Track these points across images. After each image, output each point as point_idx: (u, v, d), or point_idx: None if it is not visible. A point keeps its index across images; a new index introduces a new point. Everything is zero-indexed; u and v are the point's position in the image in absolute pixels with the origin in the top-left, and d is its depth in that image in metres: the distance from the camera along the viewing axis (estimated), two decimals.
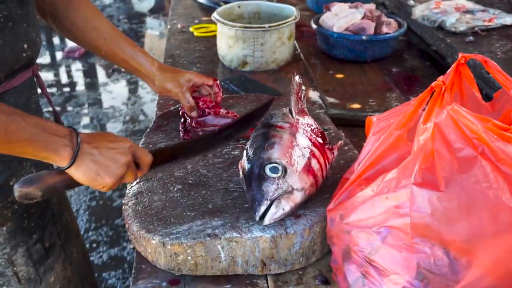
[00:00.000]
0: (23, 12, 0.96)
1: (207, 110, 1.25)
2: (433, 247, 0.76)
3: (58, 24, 1.17)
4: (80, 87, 4.33)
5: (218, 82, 1.32)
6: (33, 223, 1.11)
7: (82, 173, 0.86)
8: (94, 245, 2.51)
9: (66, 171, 0.85)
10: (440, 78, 0.85)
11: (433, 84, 0.85)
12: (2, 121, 0.79)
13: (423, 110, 0.83)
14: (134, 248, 0.99)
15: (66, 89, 4.26)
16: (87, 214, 2.73)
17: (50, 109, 1.19)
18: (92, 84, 4.35)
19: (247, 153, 0.95)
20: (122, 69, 4.23)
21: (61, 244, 1.22)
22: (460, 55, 0.93)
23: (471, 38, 1.70)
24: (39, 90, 1.14)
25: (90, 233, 2.59)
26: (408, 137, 0.86)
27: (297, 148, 0.93)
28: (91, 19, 1.18)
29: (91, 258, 2.43)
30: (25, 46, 0.98)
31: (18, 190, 0.84)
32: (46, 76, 4.40)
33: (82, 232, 2.56)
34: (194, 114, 1.24)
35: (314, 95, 1.60)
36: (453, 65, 0.94)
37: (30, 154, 0.84)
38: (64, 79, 4.46)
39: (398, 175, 0.78)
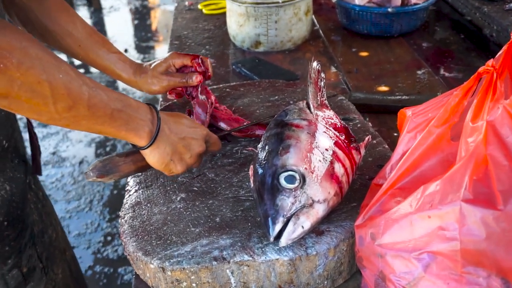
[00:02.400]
0: None
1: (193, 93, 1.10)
2: (489, 278, 0.62)
3: (28, 27, 1.03)
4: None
5: (199, 59, 1.10)
6: (7, 247, 0.98)
7: (158, 157, 0.82)
8: (109, 238, 2.41)
9: (142, 151, 0.82)
10: (490, 61, 0.69)
11: (481, 69, 0.69)
12: (85, 94, 0.71)
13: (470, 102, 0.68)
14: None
15: None
16: (101, 205, 2.62)
17: None
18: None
19: (258, 159, 0.81)
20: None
21: (43, 267, 1.09)
22: None
23: (511, 5, 1.51)
24: None
25: (104, 225, 2.49)
26: (452, 136, 0.71)
27: (317, 151, 0.79)
28: (64, 24, 1.04)
29: (105, 252, 2.33)
30: None
31: (92, 178, 0.82)
32: None
33: (96, 225, 2.47)
34: (197, 78, 1.09)
35: (335, 77, 1.44)
36: (505, 46, 0.78)
37: (109, 132, 0.77)
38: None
39: (442, 188, 0.63)
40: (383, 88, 1.36)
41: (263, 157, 0.80)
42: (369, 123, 1.11)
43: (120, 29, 4.92)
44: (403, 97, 1.27)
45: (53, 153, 3.07)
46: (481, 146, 0.62)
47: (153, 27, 5.13)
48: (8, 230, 0.98)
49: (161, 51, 4.43)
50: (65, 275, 1.18)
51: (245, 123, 1.04)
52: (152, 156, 0.82)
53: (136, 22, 5.20)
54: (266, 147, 0.81)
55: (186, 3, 2.04)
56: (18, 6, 1.01)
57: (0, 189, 0.94)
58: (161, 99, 1.36)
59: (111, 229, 2.46)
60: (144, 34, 4.87)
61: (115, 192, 2.72)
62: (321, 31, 1.74)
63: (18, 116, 1.06)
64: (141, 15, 5.39)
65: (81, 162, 2.98)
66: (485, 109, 0.65)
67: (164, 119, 0.83)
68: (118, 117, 0.76)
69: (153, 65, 1.10)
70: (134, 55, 4.31)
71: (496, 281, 0.62)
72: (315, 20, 1.81)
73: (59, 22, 1.04)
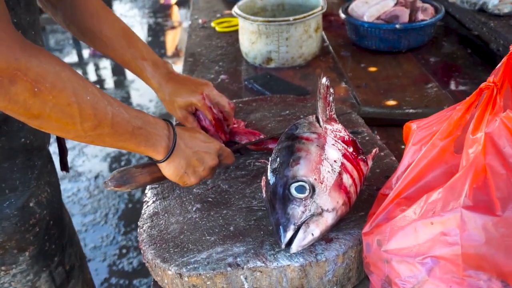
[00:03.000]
0: (31, 19, 0.92)
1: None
2: (490, 281, 0.65)
3: (72, 26, 1.09)
4: (108, 85, 4.29)
5: (233, 107, 1.12)
6: (54, 245, 1.06)
7: (173, 169, 0.87)
8: (124, 250, 2.45)
9: (158, 164, 0.88)
10: (491, 78, 0.73)
11: (482, 85, 0.73)
12: (109, 114, 0.76)
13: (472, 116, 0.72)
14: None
15: None
16: (116, 219, 2.67)
17: None
18: (119, 82, 4.31)
19: (269, 170, 0.85)
20: None
21: (79, 266, 1.16)
22: (511, 47, 0.81)
23: None
24: None
25: (119, 238, 2.53)
26: (455, 149, 0.75)
27: (326, 163, 0.83)
28: (102, 24, 1.08)
29: (121, 265, 2.37)
30: None
31: (110, 187, 0.88)
32: None
33: (111, 238, 2.52)
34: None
35: (345, 91, 1.48)
36: (504, 59, 0.82)
37: (130, 148, 0.83)
38: (92, 77, 4.43)
39: (444, 196, 0.67)
40: (391, 102, 1.40)
41: (274, 169, 0.84)
42: (377, 136, 1.14)
43: None
44: (411, 110, 1.31)
45: (70, 168, 3.13)
46: (480, 156, 0.66)
47: (167, 44, 5.22)
48: (54, 229, 1.05)
49: (175, 68, 4.50)
50: (90, 277, 1.24)
51: (258, 137, 1.09)
52: (167, 169, 0.88)
53: (149, 39, 5.29)
54: (278, 159, 0.85)
55: (200, 21, 2.10)
56: (65, 4, 1.07)
57: (42, 191, 1.00)
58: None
59: (126, 242, 2.50)
60: (157, 51, 4.95)
61: (130, 205, 2.77)
62: (331, 47, 1.79)
63: None
64: (154, 32, 5.48)
65: (96, 177, 3.04)
66: (484, 122, 0.69)
67: (180, 134, 0.88)
68: (139, 134, 0.81)
69: (178, 94, 1.10)
70: None
71: (496, 284, 0.65)
72: (325, 37, 1.86)
73: (98, 22, 1.08)
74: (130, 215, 2.68)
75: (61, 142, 1.15)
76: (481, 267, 0.65)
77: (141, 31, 5.45)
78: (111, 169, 3.09)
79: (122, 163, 3.14)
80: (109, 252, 2.45)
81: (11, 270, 0.98)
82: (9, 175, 0.93)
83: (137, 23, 5.74)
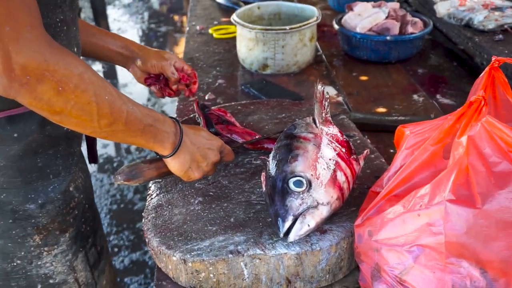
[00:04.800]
0: (73, 16, 0.99)
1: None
2: (469, 268, 0.72)
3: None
4: None
5: (196, 73, 1.30)
6: (88, 227, 1.14)
7: (178, 164, 0.93)
8: (116, 249, 2.50)
9: (164, 159, 0.93)
10: (480, 93, 0.80)
11: (472, 99, 0.79)
12: (124, 112, 0.83)
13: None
14: (155, 262, 0.96)
15: None
16: (108, 218, 2.71)
17: None
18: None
19: (269, 166, 0.92)
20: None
21: (105, 248, 1.25)
22: (493, 58, 0.88)
23: (500, 36, 1.64)
24: None
25: (111, 237, 2.57)
26: (444, 154, 0.81)
27: (322, 160, 0.89)
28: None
29: (113, 263, 2.41)
30: (75, 49, 1.00)
31: (120, 181, 0.94)
32: None
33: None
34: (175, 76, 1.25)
35: (337, 98, 1.55)
36: (486, 69, 0.90)
37: (139, 143, 0.89)
38: None
39: (431, 191, 0.74)
40: (381, 109, 1.48)
41: (274, 165, 0.91)
42: (368, 140, 1.21)
43: None
44: (400, 117, 1.38)
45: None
46: (463, 157, 0.72)
47: (162, 48, 5.27)
48: (88, 212, 1.13)
49: None
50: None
51: (256, 137, 1.15)
52: (173, 164, 0.94)
53: (142, 44, 5.34)
54: (277, 156, 0.92)
55: (198, 27, 2.17)
56: None
57: (78, 176, 1.08)
58: (175, 115, 1.47)
59: (117, 241, 2.54)
60: None
61: (122, 205, 2.81)
62: (324, 56, 1.86)
63: None
64: (147, 38, 5.53)
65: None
66: (469, 128, 0.76)
67: (186, 132, 0.94)
68: (149, 131, 0.87)
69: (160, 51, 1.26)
70: None
71: (475, 270, 0.72)
72: (319, 46, 1.93)
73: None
74: (122, 215, 2.73)
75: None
76: (462, 255, 0.72)
77: (135, 36, 5.50)
78: (103, 171, 3.13)
79: (115, 165, 3.18)
80: None
81: (52, 251, 1.05)
82: (53, 161, 1.00)
83: (130, 28, 5.80)
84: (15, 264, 1.04)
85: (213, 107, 1.27)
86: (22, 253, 1.02)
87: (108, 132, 0.84)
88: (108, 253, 1.27)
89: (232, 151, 1.05)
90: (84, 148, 1.15)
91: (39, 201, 1.01)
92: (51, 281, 1.08)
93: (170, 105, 3.91)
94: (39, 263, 1.05)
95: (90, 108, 0.79)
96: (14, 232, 1.00)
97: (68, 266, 1.09)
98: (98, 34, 1.20)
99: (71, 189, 1.05)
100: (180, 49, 5.03)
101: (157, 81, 1.28)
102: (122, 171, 0.95)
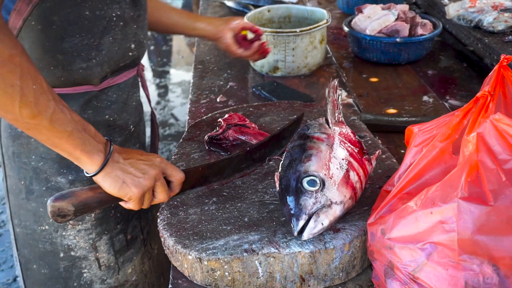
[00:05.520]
0: (135, 14, 1.03)
1: (232, 127, 1.22)
2: (482, 265, 0.73)
3: None
4: None
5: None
6: (119, 214, 1.17)
7: (110, 181, 0.88)
8: None
9: (94, 178, 0.88)
10: (487, 88, 0.81)
11: (479, 94, 0.81)
12: (50, 108, 0.82)
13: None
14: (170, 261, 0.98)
15: None
16: None
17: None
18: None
19: (283, 166, 0.93)
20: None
21: (143, 239, 1.27)
22: (502, 56, 0.89)
23: (510, 37, 1.64)
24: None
25: None
26: (453, 150, 0.83)
27: (335, 160, 0.91)
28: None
29: None
30: (133, 46, 1.05)
31: (51, 205, 0.86)
32: None
33: None
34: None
35: (347, 100, 1.56)
36: (495, 68, 0.91)
37: (65, 149, 0.86)
38: None
39: (443, 189, 0.75)
40: (391, 111, 1.49)
41: (288, 164, 0.92)
42: (379, 141, 1.23)
43: None
44: (410, 118, 1.39)
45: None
46: (473, 154, 0.73)
47: (169, 53, 5.31)
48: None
49: (177, 75, 4.60)
50: (160, 251, 1.35)
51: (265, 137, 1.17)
52: (104, 182, 0.88)
53: (152, 47, 5.38)
54: (291, 156, 0.93)
55: None
56: None
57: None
58: (188, 118, 1.49)
59: None
60: (160, 59, 5.05)
61: None
62: (334, 58, 1.87)
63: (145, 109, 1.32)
64: (156, 41, 5.57)
65: None
66: (477, 124, 0.77)
67: (116, 149, 0.91)
68: (77, 136, 0.85)
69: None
70: (149, 79, 4.47)
71: (488, 267, 0.73)
72: (329, 48, 1.95)
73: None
74: None
75: (155, 131, 1.30)
76: (474, 252, 0.73)
77: None
78: None
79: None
80: None
81: (77, 226, 1.12)
82: None
83: None
84: (43, 228, 1.12)
85: (228, 114, 1.27)
86: (50, 220, 1.07)
87: (31, 125, 0.82)
88: (146, 246, 1.29)
89: (178, 169, 0.97)
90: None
91: (70, 177, 1.07)
92: (72, 253, 1.14)
93: (179, 108, 3.93)
94: (63, 233, 1.12)
95: (13, 91, 0.78)
96: (45, 199, 1.06)
97: (90, 244, 1.14)
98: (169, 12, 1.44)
99: None
100: (190, 52, 5.06)
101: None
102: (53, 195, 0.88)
